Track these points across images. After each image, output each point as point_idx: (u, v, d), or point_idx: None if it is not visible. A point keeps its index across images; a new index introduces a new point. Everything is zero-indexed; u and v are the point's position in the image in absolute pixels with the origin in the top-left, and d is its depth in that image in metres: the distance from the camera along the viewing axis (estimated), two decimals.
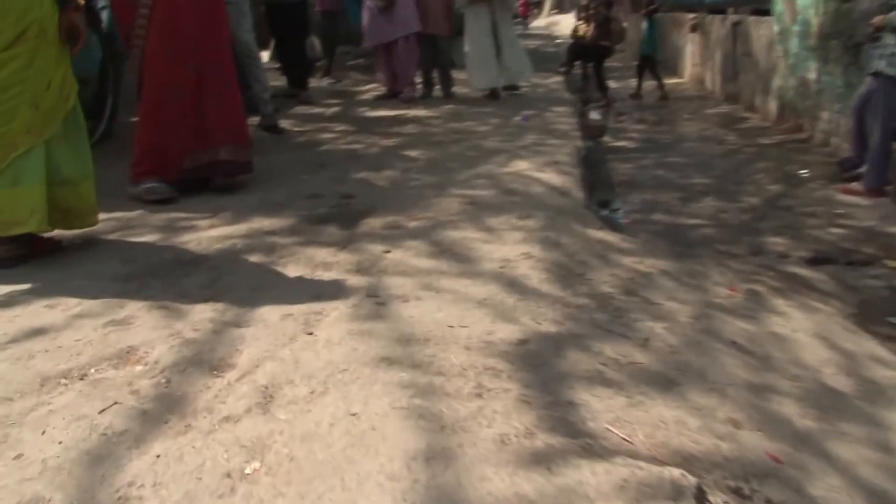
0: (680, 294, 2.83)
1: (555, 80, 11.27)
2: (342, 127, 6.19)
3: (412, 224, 3.27)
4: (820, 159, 6.59)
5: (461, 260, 2.81)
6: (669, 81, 13.94)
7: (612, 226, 4.46)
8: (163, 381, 1.84)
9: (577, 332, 2.25)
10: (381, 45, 7.94)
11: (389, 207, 3.58)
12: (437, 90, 8.48)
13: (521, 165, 4.56)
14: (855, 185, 5.40)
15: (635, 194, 5.58)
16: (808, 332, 2.75)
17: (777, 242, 4.43)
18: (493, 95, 8.34)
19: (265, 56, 9.96)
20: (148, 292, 2.47)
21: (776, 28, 8.35)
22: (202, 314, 2.27)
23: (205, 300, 2.39)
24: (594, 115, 9.43)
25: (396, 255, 2.86)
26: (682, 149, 7.33)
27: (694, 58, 12.93)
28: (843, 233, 4.63)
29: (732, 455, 1.71)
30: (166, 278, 2.61)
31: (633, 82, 12.19)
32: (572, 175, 4.37)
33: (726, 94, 10.55)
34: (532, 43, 17.70)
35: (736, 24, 9.86)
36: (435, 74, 8.49)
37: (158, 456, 1.54)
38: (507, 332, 2.14)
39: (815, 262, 4.11)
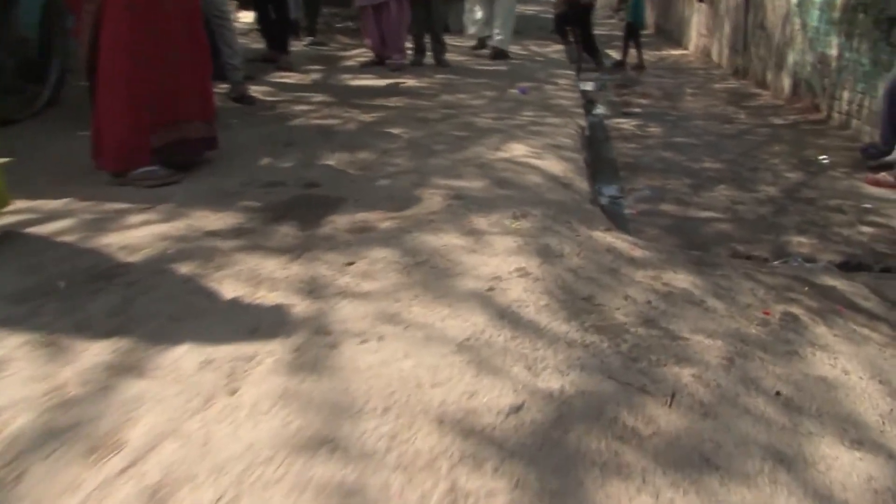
0: (707, 322, 2.32)
1: (554, 49, 10.64)
2: (320, 97, 5.61)
3: (384, 224, 2.74)
4: (840, 143, 6.06)
5: (440, 277, 2.28)
6: (674, 53, 13.31)
7: (615, 216, 3.95)
8: (13, 475, 1.32)
9: (585, 389, 1.75)
10: (370, 7, 7.33)
11: (360, 200, 3.04)
12: (429, 57, 7.88)
13: (517, 149, 4.02)
14: (884, 176, 4.88)
15: (641, 179, 5.05)
16: (861, 373, 2.25)
17: (802, 243, 3.93)
18: (479, 45, 9.00)
19: (250, 17, 9.31)
20: (39, 320, 1.94)
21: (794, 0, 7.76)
22: (99, 356, 1.75)
23: (108, 334, 1.87)
24: (587, 87, 8.86)
25: (360, 268, 2.33)
26: (690, 127, 6.78)
27: (700, 29, 12.29)
28: (874, 232, 4.12)
29: None
30: (68, 299, 2.08)
31: (636, 52, 11.63)
32: (575, 161, 3.82)
33: (735, 67, 9.96)
34: (531, 9, 16.98)
35: None
36: (427, 40, 7.88)
37: None
38: (494, 393, 1.63)
39: (846, 267, 3.63)
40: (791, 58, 7.81)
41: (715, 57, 11.16)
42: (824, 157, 5.58)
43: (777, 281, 2.99)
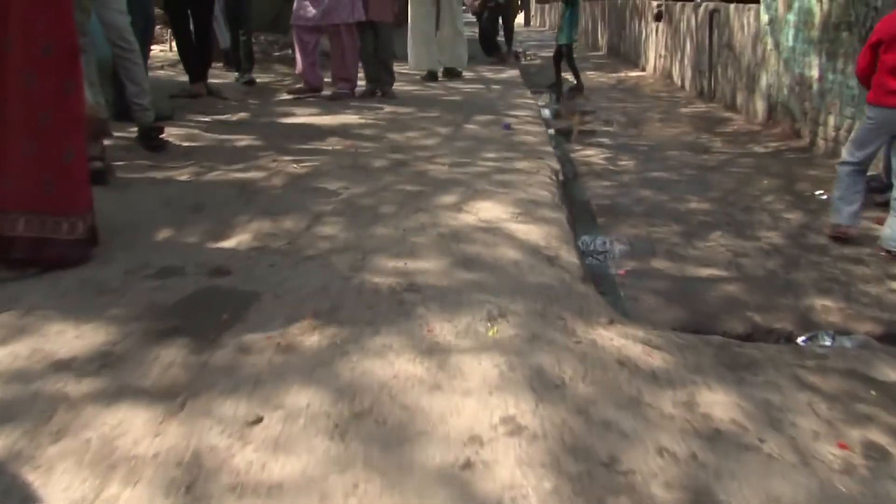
0: (778, 482, 1.61)
1: (509, 74, 10.03)
2: (246, 140, 4.82)
3: (310, 340, 1.97)
4: (831, 174, 5.45)
5: (389, 443, 1.52)
6: (632, 75, 12.83)
7: (601, 280, 3.22)
8: None
9: None
10: (304, 30, 6.59)
11: (280, 297, 2.27)
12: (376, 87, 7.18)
13: (484, 209, 3.31)
14: None
15: (622, 227, 4.36)
16: None
17: (827, 308, 3.28)
18: (430, 77, 8.56)
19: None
20: None
21: (765, 18, 7.24)
22: None
23: None
24: (545, 113, 8.25)
25: (270, 431, 1.56)
26: (665, 159, 6.15)
27: (659, 49, 11.83)
28: None
29: None
30: None
31: (592, 74, 11.18)
32: (557, 223, 3.11)
33: (700, 90, 9.46)
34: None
35: (713, 13, 8.74)
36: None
37: None
38: None
39: (890, 340, 3.00)
40: (764, 80, 7.29)
41: (677, 79, 10.68)
42: (821, 192, 4.99)
43: (833, 384, 2.30)
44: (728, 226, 4.35)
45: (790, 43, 6.72)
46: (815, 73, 6.22)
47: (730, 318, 3.18)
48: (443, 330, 2.00)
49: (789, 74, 6.74)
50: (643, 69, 13.02)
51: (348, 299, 2.24)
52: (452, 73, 9.10)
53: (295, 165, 4.06)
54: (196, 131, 5.16)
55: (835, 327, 3.13)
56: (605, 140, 7.06)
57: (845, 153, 4.17)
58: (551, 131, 6.75)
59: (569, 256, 2.77)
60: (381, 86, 7.08)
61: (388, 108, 6.32)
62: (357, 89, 7.02)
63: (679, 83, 10.53)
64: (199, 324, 2.08)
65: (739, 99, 8.05)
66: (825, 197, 4.89)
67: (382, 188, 3.63)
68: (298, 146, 4.68)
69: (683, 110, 8.72)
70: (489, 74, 9.86)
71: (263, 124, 5.46)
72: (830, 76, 5.95)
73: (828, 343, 3.03)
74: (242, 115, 5.80)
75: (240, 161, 4.23)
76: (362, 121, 5.67)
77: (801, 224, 4.37)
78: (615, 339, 2.16)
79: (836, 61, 5.84)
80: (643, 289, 3.47)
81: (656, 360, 2.10)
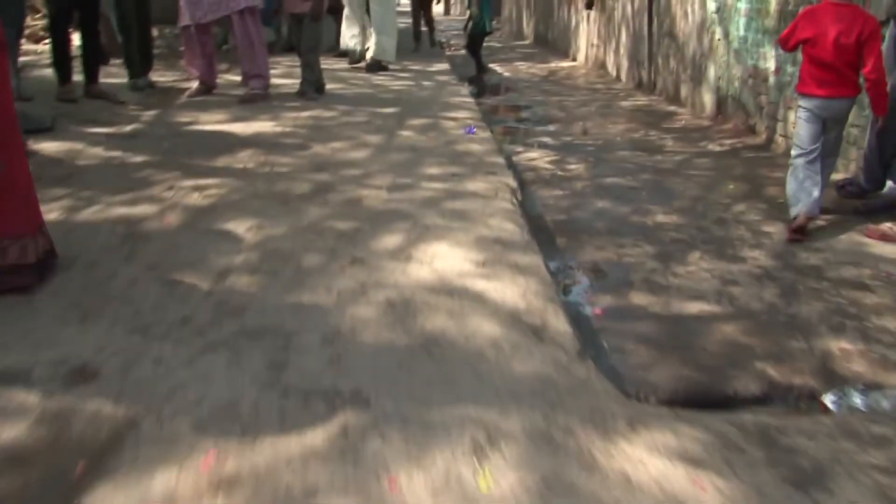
0: None
1: (440, 69, 9.36)
2: (139, 158, 4.01)
3: None
4: None
5: None
6: (563, 65, 12.36)
7: (574, 322, 2.63)
8: None
9: None
10: (200, 27, 5.81)
11: (164, 427, 1.55)
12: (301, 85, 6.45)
13: (440, 256, 2.68)
14: (891, 228, 3.85)
15: (587, 248, 3.79)
16: None
17: (846, 351, 2.78)
18: (352, 58, 8.73)
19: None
20: None
21: (712, 6, 6.81)
22: None
23: None
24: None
25: None
26: (617, 161, 5.63)
27: (591, 38, 11.38)
28: None
29: None
30: None
31: (521, 65, 10.78)
32: (533, 271, 2.49)
33: (638, 81, 9.03)
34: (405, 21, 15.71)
35: (653, 0, 8.30)
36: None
37: None
38: None
39: None
40: (712, 71, 6.87)
41: (611, 69, 10.24)
42: None
43: None
44: (706, 244, 3.83)
45: (741, 32, 6.29)
46: (770, 64, 5.80)
47: (739, 372, 2.63)
48: (412, 484, 1.33)
49: (741, 66, 6.32)
50: (574, 59, 12.57)
51: (267, 423, 1.55)
52: (377, 67, 8.44)
53: (197, 194, 3.30)
54: (79, 146, 4.31)
55: (862, 379, 2.62)
56: (548, 139, 6.51)
57: (794, 148, 4.09)
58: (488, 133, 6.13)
59: (557, 322, 2.15)
60: (301, 86, 6.35)
61: (309, 112, 5.58)
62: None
63: (614, 74, 10.10)
64: (35, 491, 1.35)
65: (684, 91, 7.63)
66: None
67: (306, 226, 2.93)
68: (203, 164, 3.90)
69: (624, 104, 8.25)
70: (418, 68, 9.18)
71: (162, 136, 4.63)
72: (790, 68, 5.52)
73: (859, 402, 2.53)
74: (138, 124, 4.94)
75: (128, 189, 3.43)
76: (279, 128, 4.91)
77: (785, 239, 3.89)
78: (646, 459, 1.55)
79: (796, 53, 5.41)
80: (627, 334, 2.89)
81: (708, 492, 1.50)
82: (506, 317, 2.14)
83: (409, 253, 2.69)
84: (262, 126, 5.00)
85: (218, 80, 6.50)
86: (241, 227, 2.89)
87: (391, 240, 2.81)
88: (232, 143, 4.44)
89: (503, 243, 2.78)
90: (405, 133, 4.83)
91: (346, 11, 8.80)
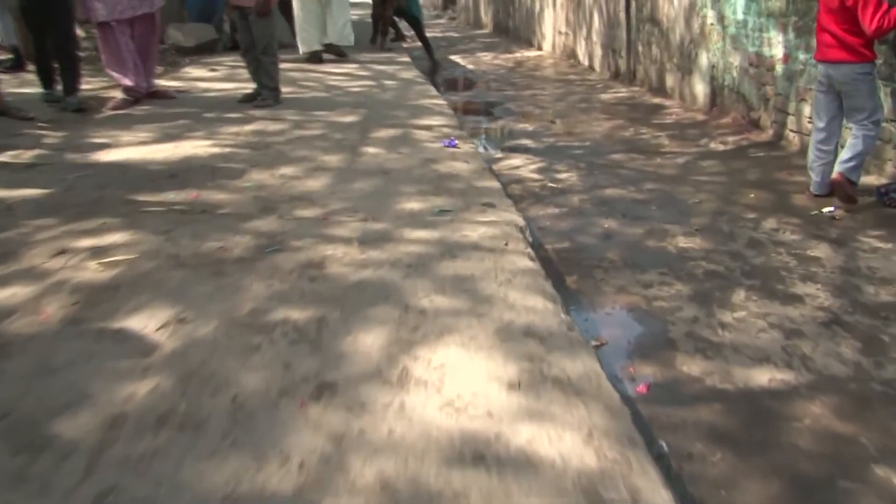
0: None
1: (402, 64, 8.56)
2: (27, 201, 3.15)
3: None
4: None
5: None
6: (528, 54, 11.62)
7: (621, 407, 1.90)
8: None
9: None
10: (122, 24, 4.98)
11: None
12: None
13: (452, 373, 1.89)
14: None
15: (608, 291, 3.07)
16: None
17: None
18: (314, 59, 8.24)
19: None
20: None
21: None
22: None
23: None
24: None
25: None
26: (613, 167, 4.93)
27: (558, 25, 10.67)
28: None
29: None
30: None
31: (485, 56, 10.20)
32: (597, 396, 1.72)
33: (615, 71, 8.34)
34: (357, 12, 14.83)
35: None
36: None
37: None
38: None
39: None
40: (705, 59, 6.20)
41: (583, 58, 9.54)
42: (830, 209, 3.88)
43: None
44: (747, 278, 3.14)
45: (739, 16, 5.62)
46: (777, 51, 5.14)
47: (856, 485, 1.93)
48: None
49: (739, 53, 5.66)
50: (539, 48, 11.86)
51: None
52: (338, 52, 8.56)
53: (94, 263, 2.46)
54: None
55: None
56: (529, 142, 5.77)
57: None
58: (463, 132, 5.36)
59: (653, 495, 1.39)
60: (259, 90, 5.56)
61: (253, 125, 4.75)
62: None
63: (586, 63, 9.41)
64: None
65: (670, 81, 6.95)
66: (835, 214, 3.79)
67: (247, 318, 2.10)
68: (112, 209, 3.06)
69: (604, 96, 7.56)
70: (379, 66, 8.36)
71: (68, 166, 3.76)
72: (801, 55, 4.87)
73: None
74: (41, 150, 4.05)
75: (1, 258, 2.57)
76: (216, 149, 4.08)
77: (840, 267, 3.21)
78: None
79: (809, 37, 4.74)
80: (689, 427, 2.17)
81: None
82: (575, 496, 1.37)
83: (405, 368, 1.88)
84: (195, 147, 4.16)
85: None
86: (151, 322, 2.06)
87: (373, 341, 2.00)
88: (154, 173, 3.59)
89: (538, 337, 2.00)
90: (371, 149, 4.05)
91: (301, 7, 8.20)
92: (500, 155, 5.36)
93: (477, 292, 2.34)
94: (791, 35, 4.96)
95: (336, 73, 7.69)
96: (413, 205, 3.10)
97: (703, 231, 3.68)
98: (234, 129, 4.68)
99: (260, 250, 2.69)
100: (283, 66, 5.90)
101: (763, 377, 2.40)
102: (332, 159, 3.86)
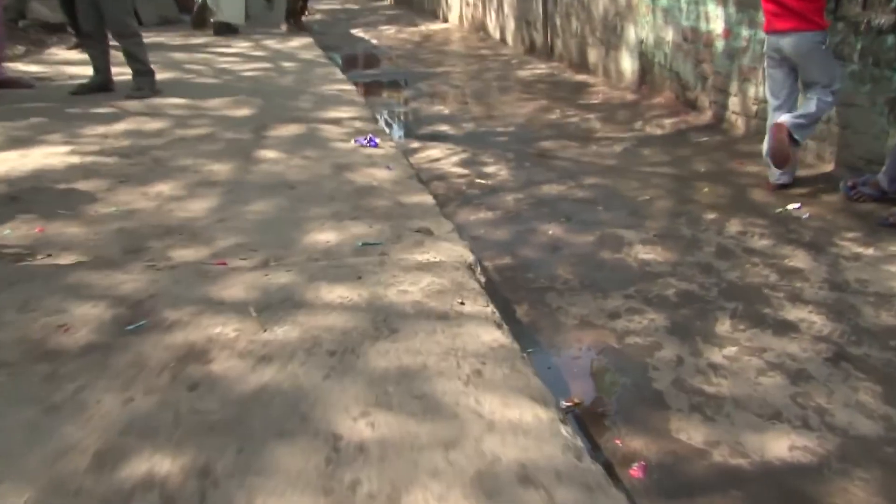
0: None
1: (300, 43, 7.74)
2: None
3: None
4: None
5: None
6: (434, 27, 10.96)
7: None
8: None
9: None
10: None
11: None
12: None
13: None
14: None
15: (570, 327, 2.54)
16: None
17: None
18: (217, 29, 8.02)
19: None
20: None
21: None
22: None
23: None
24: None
25: None
26: (546, 156, 4.41)
27: None
28: None
29: None
30: None
31: (388, 30, 9.39)
32: None
33: (529, 45, 7.81)
34: None
35: None
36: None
37: None
38: None
39: None
40: (632, 34, 5.74)
41: (493, 31, 8.98)
42: (796, 205, 3.48)
43: None
44: (727, 298, 2.66)
45: None
46: (715, 26, 4.71)
47: None
48: None
49: (671, 27, 5.21)
50: (445, 20, 11.23)
51: None
52: (225, 30, 8.09)
53: None
54: None
55: None
56: (447, 128, 5.17)
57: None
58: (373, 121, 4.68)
59: None
60: (135, 83, 4.70)
61: (125, 123, 3.94)
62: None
63: (497, 37, 8.85)
64: None
65: (593, 57, 6.48)
66: (801, 211, 3.39)
67: (84, 482, 1.34)
68: None
69: (522, 73, 7.03)
70: (275, 43, 7.50)
71: None
72: (744, 31, 4.45)
73: None
74: None
75: None
76: (76, 158, 3.28)
77: (827, 281, 2.78)
78: None
79: (754, 11, 4.32)
80: None
81: None
82: None
83: None
84: (47, 156, 3.34)
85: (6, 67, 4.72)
86: None
87: None
88: None
89: (538, 483, 1.29)
90: (270, 153, 3.34)
91: None
92: (416, 144, 4.74)
93: (436, 400, 1.65)
94: (731, 9, 4.53)
95: (227, 54, 6.81)
96: (327, 235, 2.42)
97: (662, 237, 3.18)
98: (102, 129, 3.84)
99: (118, 328, 1.94)
100: (164, 41, 5.04)
101: (780, 445, 1.90)
102: (222, 170, 3.13)
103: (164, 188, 2.91)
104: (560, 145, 4.62)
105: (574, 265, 2.94)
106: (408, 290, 2.09)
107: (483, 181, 3.98)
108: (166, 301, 2.07)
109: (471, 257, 2.32)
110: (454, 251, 2.34)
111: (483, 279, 2.26)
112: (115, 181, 3.01)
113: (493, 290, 2.54)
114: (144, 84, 4.70)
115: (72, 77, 5.50)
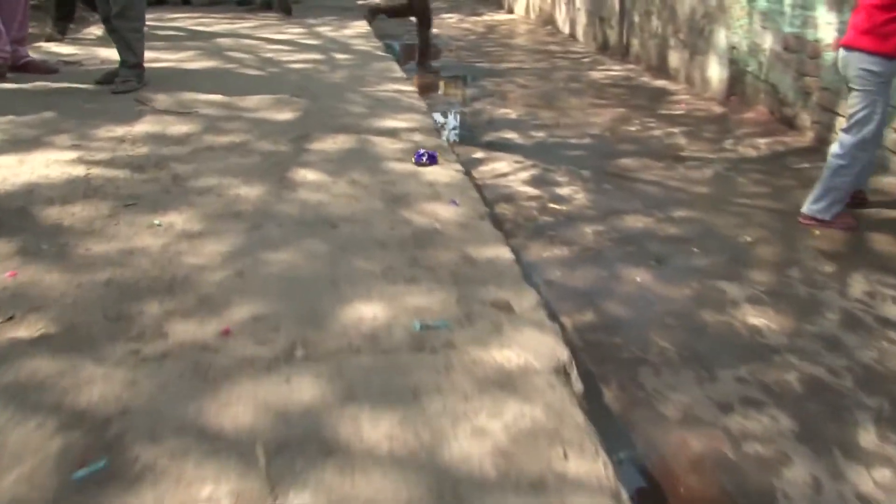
0: None
1: (358, 31, 7.32)
2: None
3: None
4: None
5: None
6: (499, 18, 10.44)
7: None
8: None
9: None
10: None
11: None
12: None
13: None
14: None
15: (672, 426, 2.08)
16: None
17: None
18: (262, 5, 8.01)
19: None
20: None
21: None
22: None
23: None
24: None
25: None
26: (626, 177, 3.94)
27: None
28: None
29: None
30: None
31: (449, 18, 8.90)
32: None
33: (601, 43, 7.26)
34: None
35: None
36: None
37: None
38: None
39: None
40: (723, 38, 5.17)
41: (563, 25, 8.43)
42: None
43: None
44: (866, 391, 2.19)
45: None
46: (825, 35, 4.14)
47: None
48: None
49: (770, 34, 4.64)
50: (510, 11, 10.69)
51: None
52: (284, 8, 7.97)
53: None
54: None
55: None
56: (514, 135, 4.70)
57: None
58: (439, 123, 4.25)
59: None
60: (119, 74, 4.36)
61: (144, 125, 3.57)
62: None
63: (567, 31, 8.30)
64: None
65: (674, 61, 5.92)
66: None
67: None
68: None
69: (595, 75, 6.49)
70: (328, 30, 7.09)
71: None
72: None
73: None
74: None
75: None
76: (80, 168, 2.92)
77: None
78: None
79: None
80: None
81: None
82: None
83: None
84: (50, 162, 2.98)
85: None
86: None
87: None
88: None
89: None
90: (310, 175, 2.92)
91: None
92: (480, 154, 4.29)
93: None
94: (846, 15, 3.94)
95: (275, 41, 6.43)
96: (374, 308, 1.93)
97: (773, 296, 2.68)
98: (119, 130, 3.48)
99: (63, 474, 1.37)
100: (212, 26, 4.67)
101: None
102: (251, 195, 2.72)
103: (176, 219, 2.51)
104: (642, 164, 4.12)
105: (670, 329, 2.47)
106: (485, 428, 1.54)
107: (557, 206, 3.52)
108: (142, 424, 1.52)
109: (565, 354, 1.86)
110: (543, 344, 1.85)
111: (582, 389, 1.76)
112: (121, 205, 2.61)
113: (577, 360, 2.07)
114: (132, 76, 4.34)
115: (103, 62, 5.17)
